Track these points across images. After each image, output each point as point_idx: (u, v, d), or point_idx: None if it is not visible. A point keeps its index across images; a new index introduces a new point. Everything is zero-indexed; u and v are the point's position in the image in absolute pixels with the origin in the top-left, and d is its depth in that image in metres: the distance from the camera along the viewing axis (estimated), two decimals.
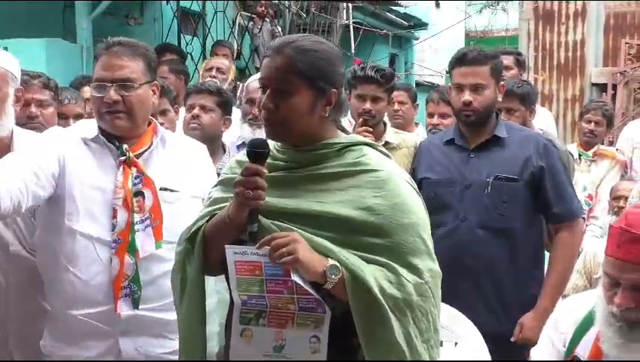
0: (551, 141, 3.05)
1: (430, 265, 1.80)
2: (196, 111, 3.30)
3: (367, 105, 3.40)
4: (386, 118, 3.67)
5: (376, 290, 1.68)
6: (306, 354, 1.74)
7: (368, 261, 1.73)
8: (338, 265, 1.69)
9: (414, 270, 1.75)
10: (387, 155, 1.93)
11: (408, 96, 4.83)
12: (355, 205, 1.75)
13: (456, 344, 2.81)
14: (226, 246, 1.75)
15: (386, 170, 1.81)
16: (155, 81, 2.41)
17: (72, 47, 6.49)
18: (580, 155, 5.09)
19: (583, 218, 3.32)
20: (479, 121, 2.94)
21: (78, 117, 3.50)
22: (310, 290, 1.69)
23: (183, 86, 4.38)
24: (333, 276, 1.68)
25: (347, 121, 4.67)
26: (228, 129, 3.43)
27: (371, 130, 3.21)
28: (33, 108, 2.96)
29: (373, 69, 3.40)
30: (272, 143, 1.85)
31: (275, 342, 1.76)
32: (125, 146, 2.30)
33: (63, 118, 3.61)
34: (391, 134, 3.58)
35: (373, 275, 1.70)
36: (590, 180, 5.00)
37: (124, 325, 2.29)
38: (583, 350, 1.94)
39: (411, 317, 1.73)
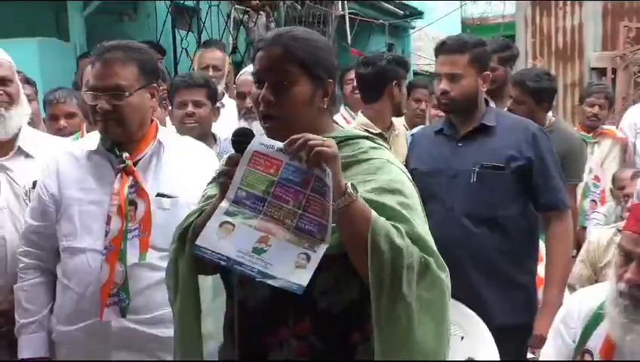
0: (541, 130, 2.99)
1: (428, 241, 1.72)
2: (190, 108, 3.26)
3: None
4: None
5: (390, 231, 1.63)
6: (288, 267, 1.58)
7: None
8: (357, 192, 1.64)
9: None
10: (385, 147, 1.89)
11: (429, 92, 4.78)
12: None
13: (462, 338, 2.78)
14: (257, 136, 1.67)
15: (380, 158, 1.78)
16: (154, 84, 2.36)
17: (65, 46, 6.44)
18: (582, 139, 5.06)
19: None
20: (457, 110, 2.91)
21: (70, 116, 3.48)
22: (329, 197, 1.58)
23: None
24: (353, 193, 1.61)
25: (346, 111, 4.66)
26: (218, 118, 3.40)
27: None
28: None
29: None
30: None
31: (257, 245, 1.61)
32: (125, 154, 2.30)
33: (54, 119, 3.58)
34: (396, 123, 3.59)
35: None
36: (594, 162, 4.96)
37: (116, 339, 2.25)
38: (594, 344, 1.90)
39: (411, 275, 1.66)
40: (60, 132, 3.40)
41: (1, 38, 5.42)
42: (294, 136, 1.61)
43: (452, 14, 11.89)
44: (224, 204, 1.64)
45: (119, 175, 2.29)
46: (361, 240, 1.62)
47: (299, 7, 9.38)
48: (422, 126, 4.38)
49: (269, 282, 1.57)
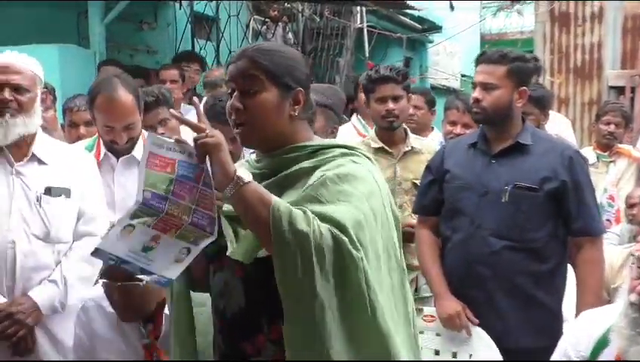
0: (579, 153, 2.94)
1: (343, 219, 1.64)
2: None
3: (390, 105, 3.38)
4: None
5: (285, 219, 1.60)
6: (166, 262, 1.68)
7: None
8: (250, 175, 1.65)
9: (332, 221, 1.63)
10: (368, 158, 1.86)
11: (425, 100, 4.76)
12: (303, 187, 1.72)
13: (470, 356, 2.76)
14: (149, 133, 1.75)
15: (347, 159, 1.77)
16: None
17: (85, 52, 6.50)
18: (597, 158, 5.02)
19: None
20: (488, 121, 2.86)
21: (89, 124, 3.50)
22: (212, 188, 1.63)
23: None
24: (242, 178, 1.62)
25: (352, 126, 4.66)
26: None
27: None
28: None
29: (387, 69, 3.40)
30: (253, 156, 1.87)
31: (148, 244, 1.69)
32: (149, 327, 2.44)
33: (74, 126, 3.59)
34: (414, 140, 3.56)
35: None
36: (610, 181, 4.92)
37: None
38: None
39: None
40: (80, 139, 3.42)
41: (22, 44, 5.50)
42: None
43: (470, 29, 11.86)
44: (132, 207, 1.72)
45: (142, 353, 2.43)
46: (263, 227, 1.61)
47: (317, 19, 9.42)
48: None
49: (143, 278, 1.69)
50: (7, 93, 2.62)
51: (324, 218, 1.63)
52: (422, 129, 4.77)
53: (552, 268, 2.83)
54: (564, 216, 2.81)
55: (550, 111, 4.75)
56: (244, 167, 1.88)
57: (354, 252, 1.62)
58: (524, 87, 2.86)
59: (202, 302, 1.92)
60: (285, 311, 1.62)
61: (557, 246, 2.84)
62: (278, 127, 1.80)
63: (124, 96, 2.96)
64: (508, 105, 2.83)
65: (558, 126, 4.73)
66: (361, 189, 1.71)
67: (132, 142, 3.03)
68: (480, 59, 2.89)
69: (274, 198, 1.63)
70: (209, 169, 1.65)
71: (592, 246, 2.82)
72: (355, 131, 4.57)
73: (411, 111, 4.73)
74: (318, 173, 1.73)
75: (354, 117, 4.74)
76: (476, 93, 2.84)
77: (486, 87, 2.82)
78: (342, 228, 1.63)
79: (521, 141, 2.85)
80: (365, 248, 1.65)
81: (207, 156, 1.65)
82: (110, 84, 3.00)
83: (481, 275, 2.80)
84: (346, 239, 1.62)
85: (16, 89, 2.64)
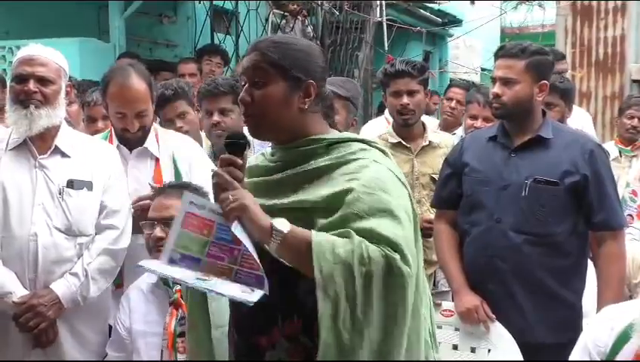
0: (600, 146, 2.90)
1: (396, 237, 1.66)
2: (216, 117, 3.29)
3: (405, 100, 3.37)
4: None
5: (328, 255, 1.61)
6: (237, 289, 1.66)
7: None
8: (286, 221, 1.64)
9: (372, 234, 1.65)
10: (383, 152, 1.86)
11: (464, 97, 4.73)
12: (327, 189, 1.71)
13: (489, 351, 2.75)
14: (185, 192, 1.75)
15: (368, 159, 1.77)
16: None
17: (105, 46, 6.54)
18: (620, 152, 4.97)
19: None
20: (508, 116, 2.83)
21: (106, 118, 3.51)
22: (253, 253, 1.61)
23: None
24: (279, 231, 1.62)
25: (384, 120, 4.64)
26: None
27: None
28: None
29: (403, 63, 3.37)
30: (268, 149, 1.87)
31: (201, 276, 1.68)
32: (176, 287, 2.49)
33: (92, 121, 3.61)
34: (432, 134, 3.54)
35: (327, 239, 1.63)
36: (633, 175, 4.86)
37: None
38: (624, 358, 1.86)
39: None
40: (97, 133, 3.44)
41: (43, 37, 5.55)
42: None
43: (491, 23, 11.77)
44: (162, 263, 1.70)
45: (169, 309, 2.49)
46: (309, 265, 1.62)
47: (337, 13, 9.39)
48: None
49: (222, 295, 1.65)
50: (32, 85, 2.65)
51: (374, 236, 1.64)
52: (454, 124, 4.78)
53: (572, 263, 2.80)
54: (585, 209, 2.78)
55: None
56: (259, 160, 1.88)
57: (405, 269, 1.64)
58: (545, 81, 2.82)
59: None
60: (322, 323, 1.62)
61: (577, 241, 2.81)
62: (287, 119, 1.79)
63: (137, 83, 2.95)
64: (528, 99, 2.80)
65: (579, 120, 4.67)
66: (394, 195, 1.72)
67: (143, 131, 3.00)
68: (499, 54, 2.86)
69: (314, 235, 1.63)
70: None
71: (613, 240, 2.78)
72: (386, 123, 4.54)
73: (452, 104, 4.74)
74: (343, 181, 1.71)
75: (387, 111, 4.73)
76: (496, 89, 2.81)
77: (506, 81, 2.79)
78: (394, 246, 1.64)
79: (541, 135, 2.81)
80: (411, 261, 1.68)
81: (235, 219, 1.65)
82: (123, 71, 3.00)
83: (501, 269, 2.78)
84: (397, 256, 1.64)
85: (41, 81, 2.67)
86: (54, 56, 2.75)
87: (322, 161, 1.77)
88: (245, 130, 1.90)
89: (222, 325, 1.91)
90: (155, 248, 2.51)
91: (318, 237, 1.63)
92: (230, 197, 1.65)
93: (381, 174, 1.74)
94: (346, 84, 3.46)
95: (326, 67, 1.89)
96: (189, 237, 1.68)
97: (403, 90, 3.36)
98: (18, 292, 2.60)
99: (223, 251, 1.67)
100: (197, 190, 2.62)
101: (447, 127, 4.71)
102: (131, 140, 3.02)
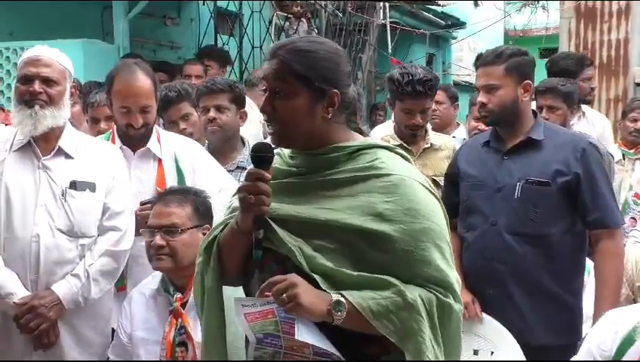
0: (592, 145, 2.91)
1: (445, 275, 1.71)
2: (212, 113, 3.30)
3: (418, 119, 3.34)
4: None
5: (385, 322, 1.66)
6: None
7: (374, 285, 1.67)
8: (342, 300, 1.64)
9: (423, 280, 1.70)
10: (406, 158, 1.85)
11: (446, 95, 4.73)
12: (364, 211, 1.69)
13: (492, 353, 2.75)
14: (235, 298, 1.72)
15: (399, 174, 1.74)
16: (206, 225, 2.54)
17: (109, 47, 6.54)
18: (623, 155, 4.96)
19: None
20: (497, 121, 2.87)
21: (110, 119, 3.53)
22: (323, 346, 1.64)
23: None
24: (339, 313, 1.63)
25: (391, 124, 4.62)
26: (245, 122, 3.41)
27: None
28: None
29: (420, 83, 3.20)
30: (286, 150, 1.83)
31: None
32: (178, 295, 2.51)
33: (95, 122, 3.62)
34: (433, 136, 3.54)
35: (378, 304, 1.66)
36: (636, 179, 4.85)
37: None
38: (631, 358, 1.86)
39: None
40: (101, 134, 3.44)
41: (47, 39, 5.56)
42: (262, 287, 1.69)
43: (494, 25, 11.77)
44: (250, 349, 1.75)
45: (169, 318, 2.48)
46: (371, 329, 1.66)
47: (340, 15, 9.40)
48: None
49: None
50: (37, 85, 2.66)
51: (430, 280, 1.69)
52: (446, 124, 4.74)
53: (570, 263, 2.83)
54: (580, 208, 2.79)
55: (589, 110, 4.70)
56: (277, 162, 1.83)
57: (456, 306, 1.71)
58: (527, 81, 2.85)
59: (230, 296, 1.89)
60: None
61: (574, 241, 2.83)
62: (310, 129, 1.76)
63: (142, 78, 2.97)
64: (514, 102, 2.83)
65: (600, 125, 4.63)
66: (435, 220, 1.73)
67: (146, 128, 3.00)
68: (478, 64, 2.91)
69: (368, 306, 1.65)
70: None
71: (609, 238, 2.79)
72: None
73: (433, 106, 4.70)
74: (382, 203, 1.70)
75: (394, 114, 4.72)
76: (481, 98, 2.86)
77: (489, 88, 2.83)
78: (446, 286, 1.70)
79: (532, 136, 2.84)
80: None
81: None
82: (129, 67, 3.03)
83: (498, 272, 2.80)
84: (451, 300, 1.70)
85: (46, 81, 2.68)
86: (59, 57, 2.76)
87: (348, 171, 1.75)
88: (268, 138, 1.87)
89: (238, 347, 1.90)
90: (155, 256, 2.50)
91: (373, 314, 1.65)
92: (284, 296, 1.64)
93: (417, 196, 1.73)
94: None
95: (350, 72, 1.84)
96: (259, 325, 1.70)
97: (417, 110, 3.32)
98: (19, 293, 2.61)
99: (292, 328, 1.67)
100: (197, 194, 2.61)
101: (437, 129, 4.67)
102: (134, 138, 3.01)
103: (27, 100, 2.66)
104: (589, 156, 2.79)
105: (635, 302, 3.15)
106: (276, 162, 1.82)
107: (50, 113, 2.67)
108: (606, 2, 9.19)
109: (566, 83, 3.82)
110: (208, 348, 1.88)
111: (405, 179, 1.74)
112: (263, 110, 1.78)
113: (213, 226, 1.91)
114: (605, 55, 9.25)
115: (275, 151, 1.82)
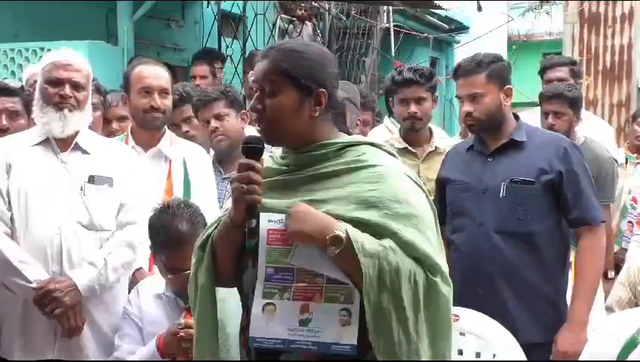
0: (574, 145, 2.98)
1: (431, 258, 1.73)
2: (213, 124, 3.35)
3: (412, 108, 3.41)
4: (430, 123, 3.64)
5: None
6: (335, 328, 1.69)
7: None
8: (341, 234, 1.68)
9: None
10: (393, 155, 1.91)
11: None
12: (350, 201, 1.74)
13: (494, 356, 2.75)
14: (261, 213, 1.75)
15: (384, 165, 1.80)
16: None
17: (113, 49, 6.55)
18: (626, 159, 4.97)
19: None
20: (484, 128, 2.92)
21: (122, 119, 3.57)
22: (341, 278, 1.67)
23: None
24: (342, 233, 1.68)
25: (385, 128, 4.63)
26: (247, 122, 3.44)
27: None
28: None
29: (410, 70, 3.42)
30: (277, 152, 1.89)
31: (302, 316, 1.70)
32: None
33: (107, 122, 3.65)
34: (438, 139, 3.56)
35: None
36: (635, 183, 4.87)
37: None
38: None
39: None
40: (113, 135, 3.49)
41: (52, 40, 5.57)
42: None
43: (498, 31, 11.78)
44: (258, 286, 1.74)
45: (184, 313, 2.52)
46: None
47: (344, 19, 9.41)
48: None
49: (326, 351, 1.67)
50: (67, 89, 2.74)
51: (418, 255, 1.70)
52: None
53: (557, 261, 2.87)
54: (563, 207, 2.85)
55: (592, 116, 4.70)
56: (269, 162, 1.90)
57: (443, 288, 1.73)
58: (508, 86, 2.92)
59: (222, 297, 1.93)
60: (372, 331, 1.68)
61: (560, 239, 2.88)
62: (298, 127, 1.82)
63: (160, 67, 3.17)
64: (498, 108, 2.90)
65: (602, 133, 4.63)
66: (420, 207, 1.77)
67: (164, 115, 3.11)
68: (458, 74, 2.96)
69: (362, 241, 1.68)
70: None
71: (590, 234, 2.84)
72: (387, 132, 4.55)
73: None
74: (368, 191, 1.74)
75: (386, 118, 4.73)
76: (466, 107, 2.91)
77: (473, 97, 2.88)
78: (433, 267, 1.72)
79: (515, 138, 2.90)
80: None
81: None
82: (145, 60, 3.24)
83: (487, 271, 2.85)
84: (438, 279, 1.71)
85: (75, 86, 2.77)
86: (84, 62, 2.87)
87: (335, 165, 1.81)
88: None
89: (231, 330, 1.92)
90: None
91: (376, 249, 1.68)
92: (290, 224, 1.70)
93: (402, 185, 1.78)
94: (344, 86, 3.48)
95: (338, 73, 1.91)
96: (276, 252, 1.73)
97: (411, 98, 3.41)
98: (41, 278, 2.65)
99: None
100: (190, 206, 2.60)
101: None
102: (153, 124, 3.11)
103: (57, 103, 2.74)
104: (571, 155, 2.86)
105: (637, 305, 3.16)
106: (268, 163, 1.89)
107: (77, 117, 2.76)
108: (609, 8, 9.20)
109: (572, 88, 3.84)
110: (200, 345, 1.91)
111: (391, 169, 1.80)
112: (253, 109, 1.84)
113: (209, 225, 1.95)
114: (609, 60, 9.26)
115: (268, 153, 1.88)
